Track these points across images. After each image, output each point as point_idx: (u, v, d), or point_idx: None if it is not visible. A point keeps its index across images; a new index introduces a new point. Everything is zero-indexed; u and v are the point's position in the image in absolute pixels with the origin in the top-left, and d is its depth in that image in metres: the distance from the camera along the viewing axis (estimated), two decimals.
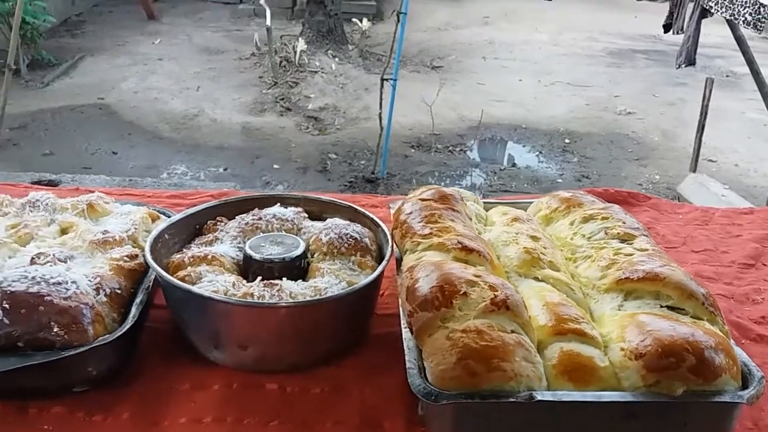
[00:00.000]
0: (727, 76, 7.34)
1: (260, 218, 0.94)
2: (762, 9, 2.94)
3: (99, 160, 4.67)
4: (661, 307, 0.73)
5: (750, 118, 5.99)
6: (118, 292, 0.79)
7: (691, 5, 3.59)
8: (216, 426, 0.70)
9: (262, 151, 4.91)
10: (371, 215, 0.96)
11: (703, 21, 3.54)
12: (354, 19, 7.57)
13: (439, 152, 5.11)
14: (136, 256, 0.87)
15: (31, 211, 0.95)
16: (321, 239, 0.89)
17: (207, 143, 4.98)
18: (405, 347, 0.70)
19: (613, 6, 11.21)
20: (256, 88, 6.18)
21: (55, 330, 0.70)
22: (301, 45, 6.34)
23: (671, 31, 3.79)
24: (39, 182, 3.04)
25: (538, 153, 5.20)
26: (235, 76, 6.50)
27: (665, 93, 6.68)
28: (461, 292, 0.70)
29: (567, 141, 5.40)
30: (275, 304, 0.76)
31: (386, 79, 4.29)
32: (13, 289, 0.72)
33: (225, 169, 4.67)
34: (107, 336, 0.73)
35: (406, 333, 0.73)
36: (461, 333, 0.67)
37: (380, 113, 4.42)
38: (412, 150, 5.14)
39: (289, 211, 0.96)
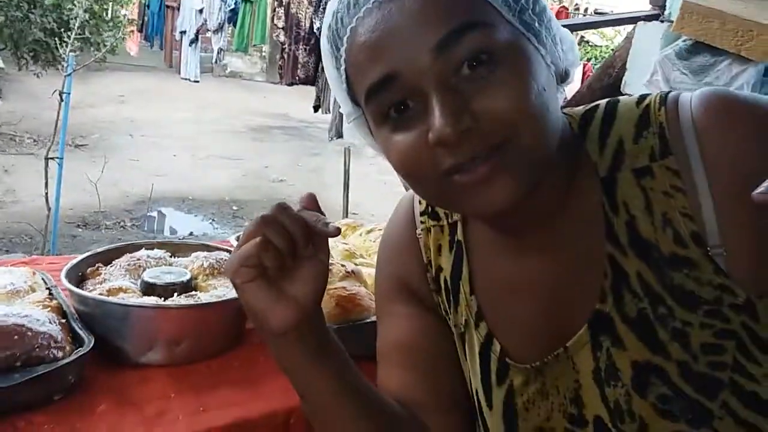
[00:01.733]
0: (347, 147, 9.05)
1: (139, 258, 1.14)
2: None
3: None
4: None
5: (375, 179, 7.58)
6: (62, 321, 0.93)
7: None
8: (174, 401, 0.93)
9: None
10: (226, 247, 1.26)
11: None
12: None
13: (110, 229, 5.01)
14: (52, 297, 0.99)
15: None
16: (203, 265, 1.15)
17: None
18: None
19: (244, 88, 12.47)
20: None
21: (46, 350, 0.83)
22: None
23: (320, 111, 4.74)
24: None
25: (211, 221, 5.57)
26: None
27: (306, 162, 7.88)
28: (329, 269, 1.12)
29: (235, 208, 5.92)
30: (209, 303, 1.01)
31: (51, 158, 4.12)
32: (1, 324, 0.82)
33: None
34: (81, 349, 0.88)
35: None
36: (334, 289, 1.08)
37: (47, 193, 4.18)
38: (79, 229, 4.91)
39: (157, 252, 1.19)
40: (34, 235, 4.51)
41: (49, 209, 4.11)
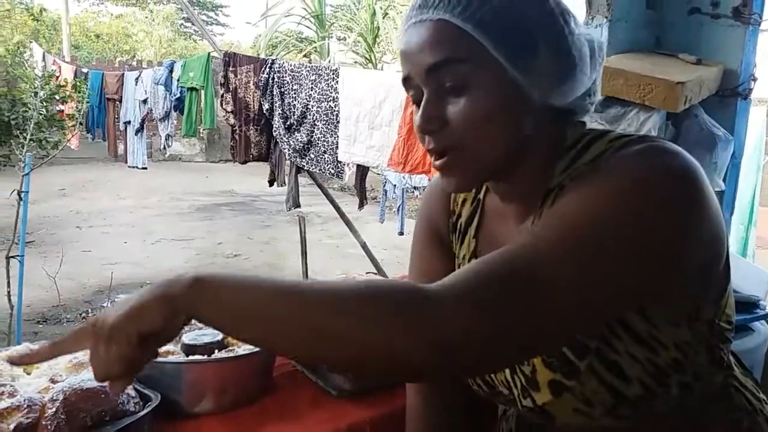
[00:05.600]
0: (302, 216, 9.25)
1: None
2: (339, 164, 4.35)
3: None
4: None
5: (326, 243, 7.75)
6: None
7: (288, 164, 4.86)
8: None
9: None
10: None
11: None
12: None
13: (72, 322, 4.94)
14: None
15: None
16: None
17: None
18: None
19: (185, 170, 12.53)
20: None
21: (126, 405, 0.99)
22: None
23: (275, 184, 4.96)
24: None
25: None
26: None
27: (257, 235, 8.00)
28: None
29: None
30: (246, 355, 1.18)
31: (12, 257, 4.12)
32: (87, 386, 0.97)
33: None
34: (150, 403, 1.03)
35: None
36: None
37: (8, 293, 4.16)
38: (40, 326, 4.83)
39: None
40: None
41: (11, 308, 4.08)
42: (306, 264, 5.30)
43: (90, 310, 5.18)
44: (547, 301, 0.59)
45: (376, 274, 1.79)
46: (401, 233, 7.53)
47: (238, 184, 11.38)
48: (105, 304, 5.35)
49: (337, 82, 4.41)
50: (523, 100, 0.71)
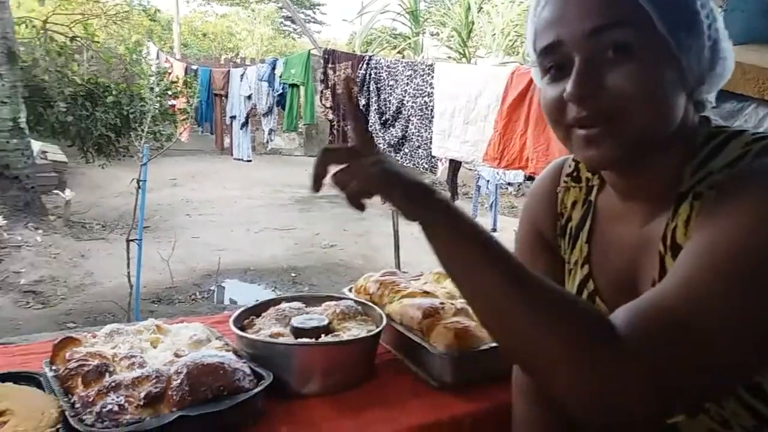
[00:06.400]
0: (391, 209, 9.38)
1: (283, 310, 1.39)
2: (432, 159, 4.39)
3: None
4: None
5: (418, 237, 7.80)
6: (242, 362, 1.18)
7: None
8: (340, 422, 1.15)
9: None
10: (350, 296, 1.52)
11: None
12: (56, 191, 7.34)
13: (183, 303, 5.33)
14: (226, 344, 1.24)
15: (119, 336, 1.21)
16: (335, 311, 1.39)
17: None
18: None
19: (285, 163, 13.05)
20: None
21: (241, 382, 1.07)
22: None
23: None
24: None
25: (273, 288, 5.86)
26: None
27: (352, 227, 8.19)
28: (442, 307, 1.34)
29: (293, 275, 6.21)
30: (352, 340, 1.24)
31: (132, 240, 4.49)
32: (207, 362, 1.06)
33: None
34: (264, 381, 1.12)
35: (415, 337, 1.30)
36: (450, 323, 1.30)
37: (128, 273, 4.53)
38: (155, 305, 5.23)
39: (295, 303, 1.44)
40: (116, 311, 4.86)
41: (131, 287, 4.45)
42: (398, 256, 5.37)
43: (198, 293, 5.54)
44: (717, 358, 0.58)
45: None
46: (494, 230, 7.47)
47: None
48: (212, 288, 5.71)
49: (432, 77, 4.42)
50: (680, 80, 0.68)
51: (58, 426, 0.95)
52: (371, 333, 1.30)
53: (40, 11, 9.01)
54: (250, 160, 7.13)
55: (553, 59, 0.71)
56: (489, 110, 4.11)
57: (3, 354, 1.43)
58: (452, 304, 1.37)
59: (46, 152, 8.85)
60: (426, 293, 1.45)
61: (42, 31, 7.88)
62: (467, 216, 0.66)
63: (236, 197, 9.58)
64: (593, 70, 0.67)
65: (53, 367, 1.15)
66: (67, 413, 0.97)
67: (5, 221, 6.06)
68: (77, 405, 1.01)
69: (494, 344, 1.28)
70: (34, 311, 4.91)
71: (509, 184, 9.64)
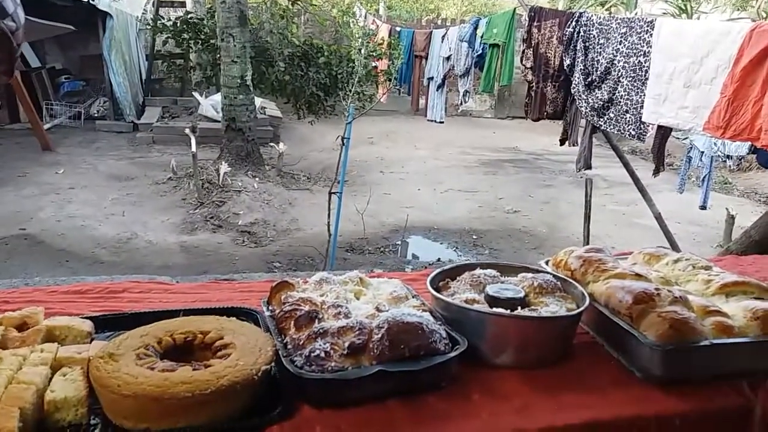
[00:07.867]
0: (581, 177, 8.88)
1: (478, 276, 1.38)
2: (642, 125, 4.00)
3: None
4: (751, 298, 1.29)
5: (611, 209, 7.30)
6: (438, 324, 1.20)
7: (583, 122, 4.67)
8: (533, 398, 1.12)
9: (207, 266, 5.07)
10: (548, 269, 1.45)
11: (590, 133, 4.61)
12: (271, 144, 8.18)
13: (372, 254, 5.63)
14: (423, 304, 1.27)
15: (327, 285, 1.31)
16: (532, 284, 1.34)
17: (151, 263, 5.05)
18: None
19: (474, 125, 12.97)
20: (181, 209, 6.37)
21: (438, 344, 1.09)
22: (224, 168, 6.72)
23: (567, 144, 4.81)
24: None
25: (455, 248, 5.92)
26: (157, 200, 6.64)
27: (538, 194, 7.91)
28: (657, 294, 1.21)
29: (474, 237, 6.21)
30: (551, 317, 1.19)
31: (334, 193, 4.81)
32: (407, 320, 1.10)
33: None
34: (459, 346, 1.12)
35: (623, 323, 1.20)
36: (665, 312, 1.17)
37: (328, 222, 4.87)
38: (348, 253, 5.59)
39: (490, 271, 1.41)
40: (315, 256, 5.29)
41: (329, 235, 4.80)
42: (588, 228, 5.05)
43: (385, 246, 5.80)
44: None
45: (667, 249, 1.60)
46: (703, 207, 6.64)
47: (523, 141, 11.32)
48: (398, 243, 5.94)
49: (651, 35, 3.98)
50: None
51: (272, 364, 1.05)
52: (572, 312, 1.23)
53: None
54: (443, 122, 7.18)
55: None
56: (717, 72, 3.60)
57: (227, 289, 1.63)
58: (669, 291, 1.23)
59: (265, 108, 9.83)
60: (638, 275, 1.32)
61: None
62: None
63: (425, 157, 9.76)
64: None
65: (270, 308, 1.27)
66: (280, 353, 1.07)
67: (230, 168, 6.87)
68: (289, 346, 1.10)
69: (716, 341, 1.14)
70: (248, 249, 5.55)
71: (728, 156, 8.47)
